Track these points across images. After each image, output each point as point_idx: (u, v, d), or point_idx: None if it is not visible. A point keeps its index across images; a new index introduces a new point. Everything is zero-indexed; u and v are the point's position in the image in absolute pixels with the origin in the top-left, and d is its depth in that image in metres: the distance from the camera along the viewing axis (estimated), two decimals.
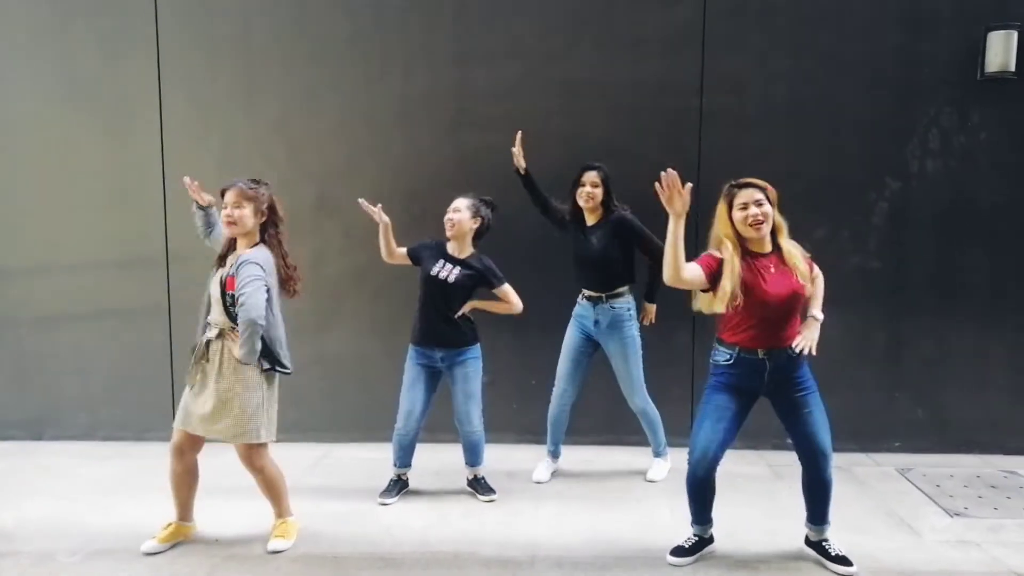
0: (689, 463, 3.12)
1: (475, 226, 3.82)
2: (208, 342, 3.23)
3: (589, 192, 3.97)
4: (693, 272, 2.93)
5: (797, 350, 2.98)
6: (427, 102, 4.65)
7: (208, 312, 3.27)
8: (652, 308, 4.15)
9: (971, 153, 4.46)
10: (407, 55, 4.64)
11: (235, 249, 3.29)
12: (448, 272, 3.77)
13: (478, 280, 3.82)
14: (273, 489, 3.39)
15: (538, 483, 4.15)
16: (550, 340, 4.20)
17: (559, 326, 4.15)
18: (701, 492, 3.15)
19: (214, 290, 3.26)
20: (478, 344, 3.88)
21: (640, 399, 4.09)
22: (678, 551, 3.23)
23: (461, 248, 3.83)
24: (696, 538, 3.26)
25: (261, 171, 4.67)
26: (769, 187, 2.99)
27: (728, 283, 2.91)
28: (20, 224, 4.87)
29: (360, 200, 3.78)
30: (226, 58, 4.71)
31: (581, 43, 4.56)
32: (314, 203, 4.74)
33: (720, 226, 3.03)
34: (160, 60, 4.71)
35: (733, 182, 3.03)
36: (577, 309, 4.11)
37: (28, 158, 4.84)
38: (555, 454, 4.27)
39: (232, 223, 3.20)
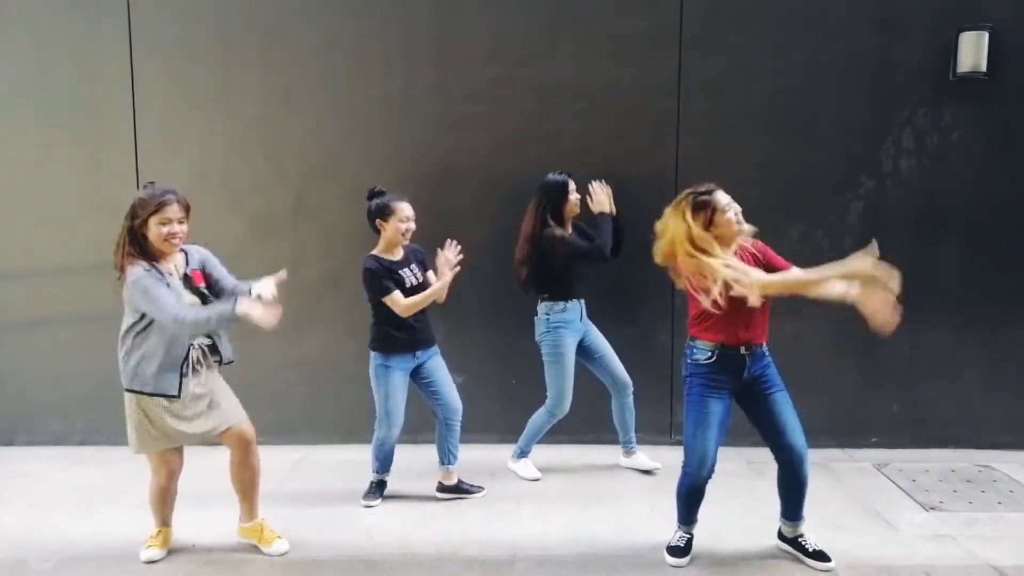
0: (688, 472, 3.11)
1: None
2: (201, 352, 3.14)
3: (577, 202, 4.01)
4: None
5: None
6: (406, 103, 4.63)
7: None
8: None
9: (944, 152, 4.52)
10: (386, 56, 4.61)
11: (160, 258, 3.07)
12: (415, 275, 3.75)
13: (424, 266, 3.87)
14: (257, 479, 3.34)
15: (536, 480, 4.16)
16: (531, 341, 4.19)
17: None
18: (695, 499, 3.18)
19: (192, 298, 3.10)
20: None
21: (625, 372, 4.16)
22: (676, 551, 3.23)
23: (398, 249, 3.76)
24: (688, 536, 3.27)
25: (238, 174, 4.70)
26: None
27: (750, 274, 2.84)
28: None
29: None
30: (201, 59, 4.65)
31: (559, 45, 4.56)
32: (292, 205, 4.70)
33: (694, 236, 2.89)
34: (133, 61, 4.64)
35: (699, 190, 2.99)
36: (565, 316, 4.00)
37: (0, 163, 4.75)
38: (529, 454, 4.29)
39: (178, 242, 3.03)
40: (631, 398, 4.18)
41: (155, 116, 4.68)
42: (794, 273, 2.92)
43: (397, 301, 3.61)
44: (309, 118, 4.67)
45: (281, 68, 4.64)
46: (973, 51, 4.36)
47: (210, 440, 3.22)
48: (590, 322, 4.14)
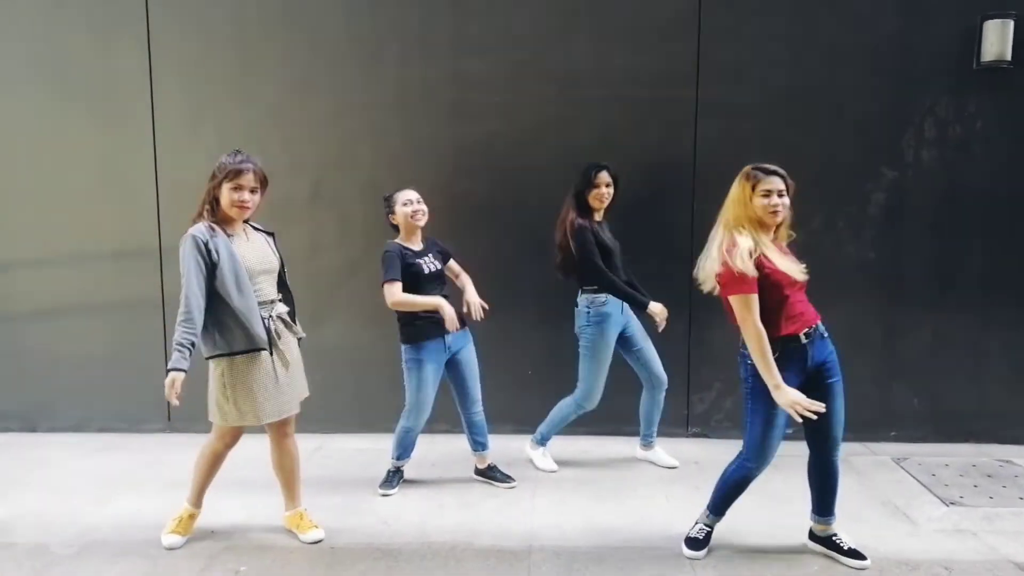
0: (746, 464, 3.03)
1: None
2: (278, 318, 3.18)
3: (604, 193, 3.93)
4: (744, 304, 2.83)
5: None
6: (423, 91, 4.62)
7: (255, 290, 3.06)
8: None
9: (967, 142, 4.46)
10: (403, 43, 4.60)
11: (229, 221, 3.10)
12: (433, 263, 3.76)
13: (445, 259, 3.88)
14: (297, 461, 3.39)
15: (552, 472, 4.16)
16: (547, 331, 4.19)
17: (557, 317, 4.14)
18: (742, 490, 3.14)
19: (270, 256, 3.16)
20: None
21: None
22: (694, 543, 3.20)
23: (417, 238, 3.78)
24: (708, 528, 3.24)
25: None
26: (788, 178, 2.94)
27: (785, 263, 2.84)
28: (12, 217, 4.83)
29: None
30: (219, 46, 4.67)
31: (577, 33, 4.53)
32: (309, 193, 4.71)
33: (739, 209, 2.89)
34: (151, 49, 4.67)
35: (756, 165, 2.93)
36: (606, 309, 3.93)
37: (19, 150, 4.79)
38: (548, 443, 4.28)
39: (248, 209, 3.06)
40: (663, 394, 4.15)
41: (173, 104, 4.71)
42: (766, 343, 2.83)
43: (393, 291, 3.60)
44: (326, 106, 4.67)
45: (298, 56, 4.64)
46: (998, 39, 4.29)
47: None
48: (632, 314, 4.09)
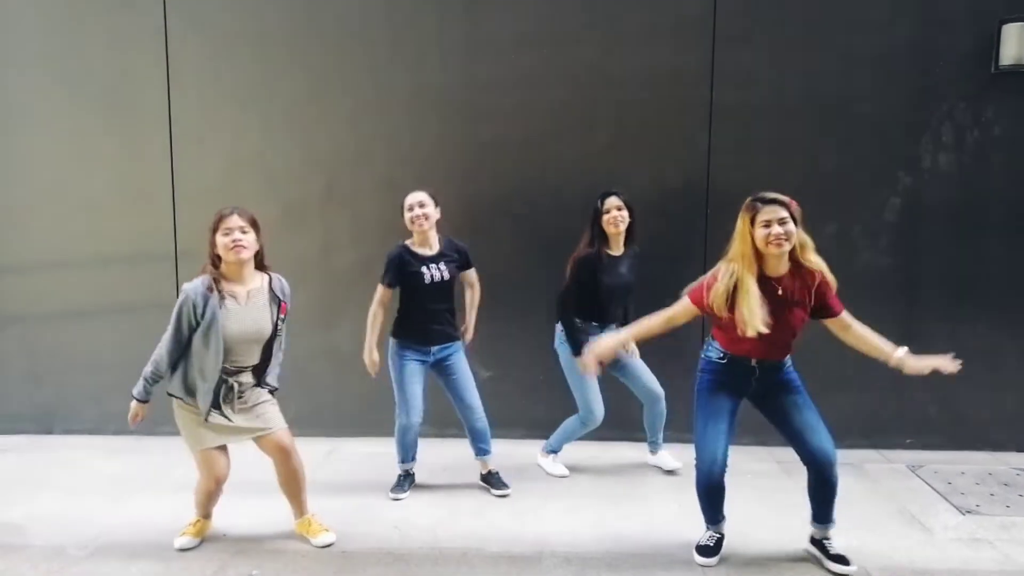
0: (700, 468, 3.09)
1: (439, 216, 3.78)
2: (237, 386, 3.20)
3: (617, 216, 3.86)
4: (684, 312, 3.03)
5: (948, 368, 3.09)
6: (437, 92, 4.63)
7: (225, 355, 3.11)
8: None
9: (985, 148, 4.41)
10: (418, 44, 4.61)
11: (232, 278, 3.16)
12: (440, 272, 3.76)
13: (463, 265, 3.90)
14: (302, 478, 3.39)
15: (563, 477, 4.16)
16: None
17: None
18: (714, 495, 3.14)
19: (262, 325, 3.18)
20: None
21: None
22: (705, 551, 3.20)
23: (431, 242, 3.78)
24: (718, 535, 3.24)
25: (271, 162, 4.74)
26: (793, 203, 2.86)
27: (745, 308, 2.82)
28: (30, 220, 4.88)
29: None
30: (235, 49, 4.70)
31: (592, 34, 4.53)
32: (323, 194, 4.73)
33: (739, 243, 2.89)
34: (168, 52, 4.71)
35: (755, 196, 2.90)
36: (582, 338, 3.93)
37: (37, 154, 4.84)
38: (559, 452, 4.28)
39: (243, 247, 3.10)
40: (662, 404, 4.13)
41: (190, 105, 4.75)
42: (649, 328, 3.11)
43: (378, 295, 3.76)
44: (341, 107, 4.69)
45: (314, 57, 4.67)
46: (1016, 43, 4.26)
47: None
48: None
